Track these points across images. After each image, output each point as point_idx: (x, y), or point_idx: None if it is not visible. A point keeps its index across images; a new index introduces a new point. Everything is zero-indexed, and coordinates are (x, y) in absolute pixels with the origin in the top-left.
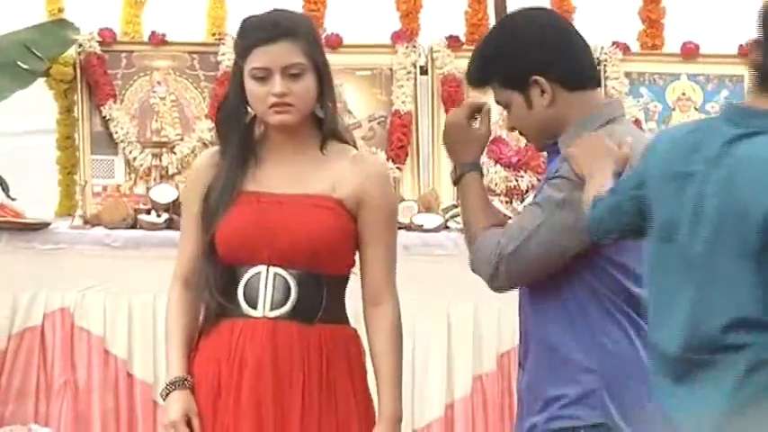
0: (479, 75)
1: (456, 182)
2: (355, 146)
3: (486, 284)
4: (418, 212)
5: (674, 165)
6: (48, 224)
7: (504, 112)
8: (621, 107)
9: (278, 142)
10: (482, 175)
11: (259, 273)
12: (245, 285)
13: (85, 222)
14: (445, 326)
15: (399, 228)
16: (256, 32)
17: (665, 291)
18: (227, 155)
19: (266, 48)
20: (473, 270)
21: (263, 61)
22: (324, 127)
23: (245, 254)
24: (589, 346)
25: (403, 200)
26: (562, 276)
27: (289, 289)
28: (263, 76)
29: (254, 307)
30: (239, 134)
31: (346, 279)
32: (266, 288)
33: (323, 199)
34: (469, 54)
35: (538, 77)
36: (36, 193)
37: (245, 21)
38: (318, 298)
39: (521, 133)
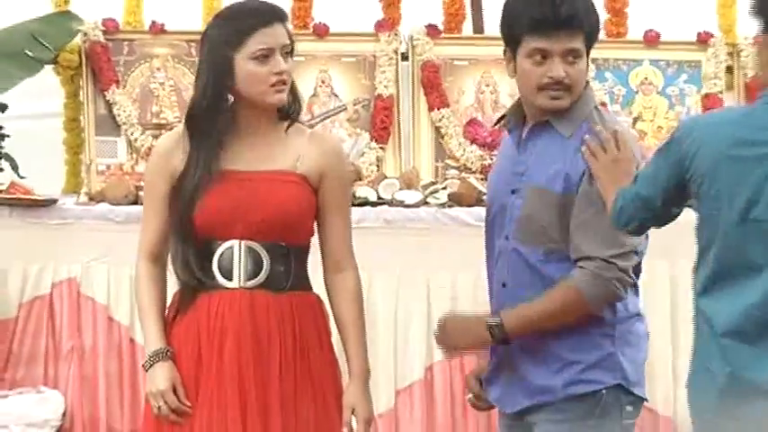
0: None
1: (503, 340)
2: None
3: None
4: (399, 189)
5: (741, 148)
6: (55, 201)
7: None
8: None
9: (246, 124)
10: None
11: (232, 247)
12: (220, 259)
13: (90, 199)
14: (425, 293)
15: (382, 203)
16: (255, 17)
17: (741, 265)
18: (205, 139)
19: (267, 30)
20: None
21: (266, 42)
22: (293, 107)
23: (220, 230)
24: (605, 311)
25: (385, 177)
26: None
27: (261, 260)
28: (266, 56)
29: (230, 279)
30: (217, 117)
31: (308, 249)
32: (240, 261)
33: (288, 174)
34: (447, 41)
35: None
36: (45, 171)
37: (230, 10)
38: (287, 267)
39: (564, 88)
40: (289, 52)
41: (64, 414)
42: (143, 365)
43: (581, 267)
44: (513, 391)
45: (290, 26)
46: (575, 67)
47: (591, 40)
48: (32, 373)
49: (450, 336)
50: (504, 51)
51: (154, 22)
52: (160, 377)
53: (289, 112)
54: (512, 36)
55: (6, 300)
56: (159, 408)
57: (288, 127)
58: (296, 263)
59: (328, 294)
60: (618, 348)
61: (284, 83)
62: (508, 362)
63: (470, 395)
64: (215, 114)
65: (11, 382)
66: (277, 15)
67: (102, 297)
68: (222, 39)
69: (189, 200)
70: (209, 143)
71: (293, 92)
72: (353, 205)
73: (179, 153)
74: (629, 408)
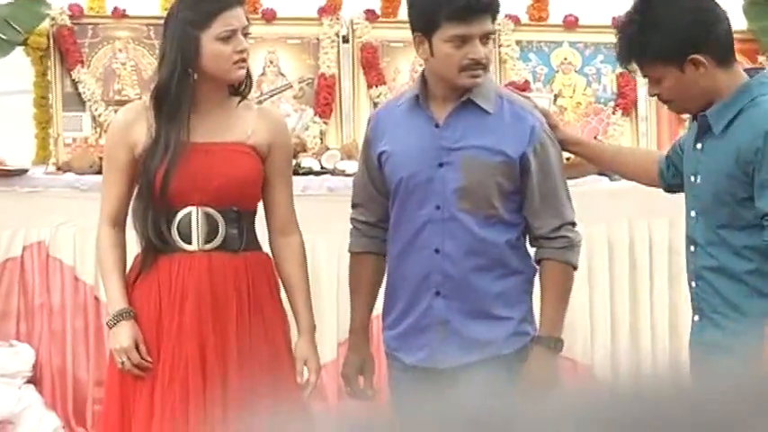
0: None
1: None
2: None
3: None
4: (341, 159)
5: None
6: (26, 170)
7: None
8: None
9: (203, 98)
10: None
11: (190, 212)
12: (179, 224)
13: (58, 169)
14: None
15: (325, 173)
16: (219, 1)
17: None
18: (173, 113)
19: (231, 12)
20: None
21: (232, 24)
22: (244, 84)
23: (179, 197)
24: (527, 268)
25: (328, 149)
26: None
27: (217, 225)
28: (230, 36)
29: (189, 242)
30: (184, 94)
31: (256, 212)
32: (198, 225)
33: (240, 145)
34: (384, 25)
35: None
36: (16, 144)
37: None
38: (240, 230)
39: (483, 68)
40: (247, 33)
41: (34, 366)
42: (107, 323)
43: (558, 240)
44: (450, 349)
45: (245, 9)
46: (488, 47)
47: (494, 20)
48: (5, 328)
49: (549, 386)
50: (415, 36)
51: (116, 8)
52: (123, 335)
53: (239, 89)
54: (428, 23)
55: None
56: (123, 363)
57: (239, 102)
58: (247, 226)
59: (275, 257)
60: (531, 300)
61: (245, 60)
62: (441, 325)
63: (349, 389)
64: (182, 90)
65: None
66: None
67: (69, 259)
68: (188, 20)
69: (156, 170)
70: (177, 117)
71: (246, 70)
72: (299, 174)
73: (141, 126)
74: None
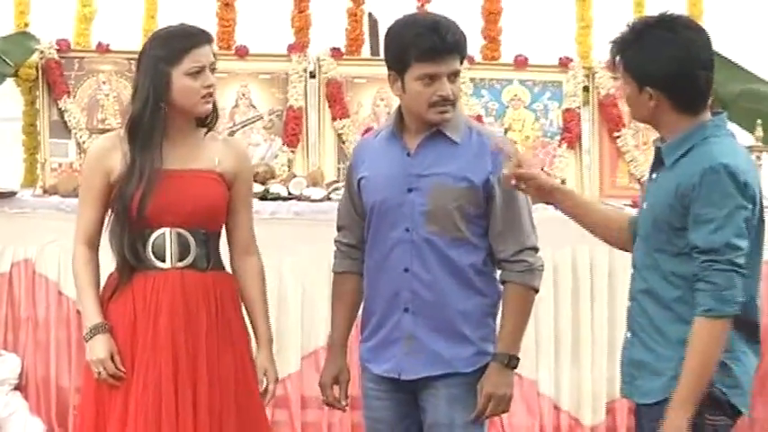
0: None
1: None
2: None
3: None
4: (307, 186)
5: None
6: (15, 193)
7: None
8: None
9: (173, 128)
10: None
11: (164, 233)
12: (153, 244)
13: (45, 192)
14: (327, 274)
15: (292, 198)
16: (188, 39)
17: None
18: (147, 143)
19: (199, 50)
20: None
21: (201, 61)
22: (210, 117)
23: (154, 219)
24: (492, 293)
25: (295, 176)
26: None
27: (189, 245)
28: (198, 72)
29: (163, 260)
30: (156, 125)
31: (220, 235)
32: (171, 245)
33: (209, 173)
34: (348, 62)
35: None
36: (6, 168)
37: (165, 32)
38: (208, 250)
39: (451, 104)
40: (214, 68)
41: (20, 374)
42: (84, 337)
43: (517, 264)
44: (414, 362)
45: (215, 47)
46: (456, 85)
47: (462, 61)
48: None
49: (503, 402)
50: (390, 74)
51: (100, 43)
52: (99, 347)
53: (206, 121)
54: (400, 62)
55: None
56: (99, 373)
57: (206, 133)
58: (213, 246)
59: (237, 275)
60: (495, 323)
61: (211, 95)
62: (408, 339)
63: (324, 397)
64: (155, 121)
65: None
66: (206, 38)
67: (54, 275)
68: (160, 56)
69: (133, 195)
70: (150, 146)
71: (213, 104)
72: (268, 200)
73: (116, 155)
74: None
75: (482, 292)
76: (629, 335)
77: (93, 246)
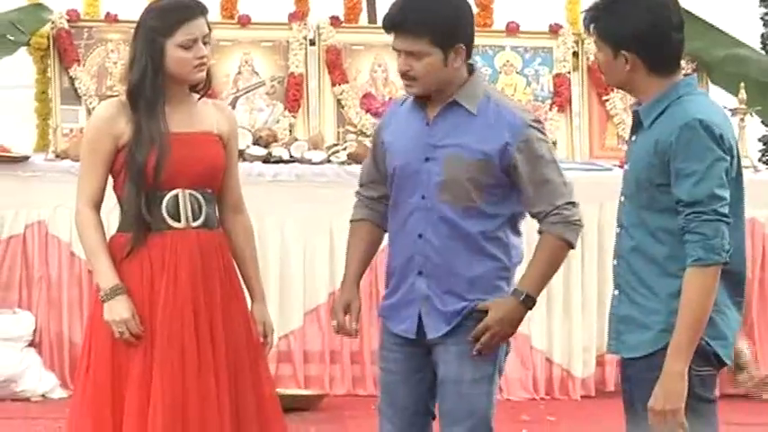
0: None
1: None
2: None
3: None
4: (308, 149)
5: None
6: (28, 157)
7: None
8: None
9: (171, 94)
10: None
11: (177, 194)
12: (167, 205)
13: (56, 156)
14: (328, 234)
15: (294, 161)
16: (181, 12)
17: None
18: (148, 108)
19: (192, 22)
20: None
21: (191, 33)
22: (205, 83)
23: (168, 181)
24: (503, 258)
25: (296, 140)
26: None
27: (201, 204)
28: (190, 45)
29: (178, 221)
30: (157, 92)
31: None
32: (186, 206)
33: (211, 135)
34: (347, 30)
35: None
36: (19, 133)
37: (154, 7)
38: (214, 210)
39: (411, 79)
40: (207, 42)
41: (34, 331)
42: (101, 298)
43: (553, 216)
44: (429, 322)
45: (208, 18)
46: (420, 62)
47: (442, 40)
48: (9, 297)
49: (503, 332)
50: None
51: (108, 13)
52: (121, 308)
53: (197, 87)
54: None
55: None
56: (122, 333)
57: (199, 98)
58: (216, 206)
59: (228, 232)
60: (510, 286)
61: (204, 64)
62: (420, 300)
63: (335, 323)
64: (155, 89)
65: None
66: (199, 10)
67: (66, 236)
68: (155, 28)
69: (145, 161)
70: (155, 112)
71: (207, 71)
72: (270, 162)
73: (122, 120)
74: None
75: (494, 257)
76: (616, 292)
77: (98, 208)
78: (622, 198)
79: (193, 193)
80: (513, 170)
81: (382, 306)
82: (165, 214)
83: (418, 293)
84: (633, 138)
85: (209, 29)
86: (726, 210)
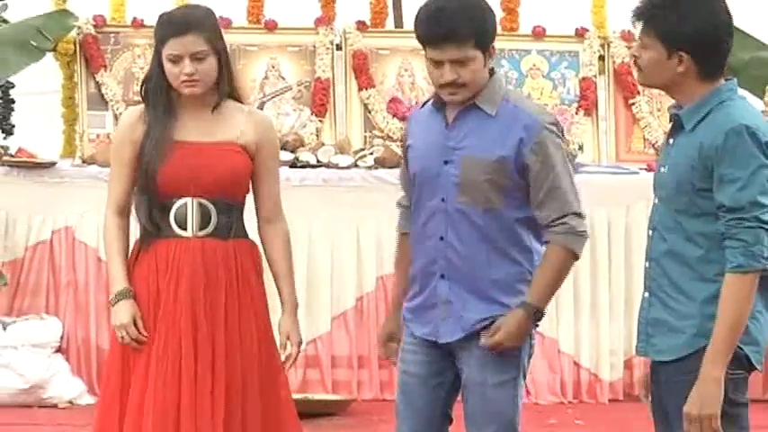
0: None
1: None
2: (244, 104)
3: None
4: (335, 154)
5: None
6: (54, 163)
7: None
8: None
9: (191, 104)
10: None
11: (185, 203)
12: (176, 213)
13: (83, 162)
14: (355, 238)
15: (321, 166)
16: (170, 27)
17: None
18: (157, 114)
19: (178, 39)
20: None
21: (176, 49)
22: (219, 93)
23: (176, 189)
24: (525, 263)
25: (323, 144)
26: None
27: (210, 214)
28: (176, 60)
29: (185, 229)
30: (163, 99)
31: (244, 204)
32: (193, 215)
33: (231, 144)
34: (373, 34)
35: None
36: (46, 139)
37: (161, 16)
38: (230, 219)
39: (457, 87)
40: (201, 57)
41: (62, 336)
42: (109, 302)
43: (559, 227)
44: (450, 326)
45: (213, 29)
46: (467, 68)
47: (482, 42)
48: (36, 303)
49: (513, 345)
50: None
51: (135, 18)
52: (123, 313)
53: (224, 95)
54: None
55: (15, 244)
56: (122, 337)
57: (214, 108)
58: (236, 216)
59: (262, 242)
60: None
61: (192, 81)
62: (445, 304)
63: (381, 352)
64: (159, 96)
65: (18, 310)
66: (189, 27)
67: (93, 241)
68: (156, 39)
69: (149, 165)
70: (160, 119)
71: (230, 80)
72: (298, 167)
73: (140, 125)
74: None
75: (516, 261)
76: (646, 294)
77: (124, 213)
78: (656, 201)
79: (203, 202)
80: (526, 171)
81: (406, 308)
82: (172, 222)
83: (440, 297)
84: (671, 140)
85: (210, 44)
86: (767, 217)
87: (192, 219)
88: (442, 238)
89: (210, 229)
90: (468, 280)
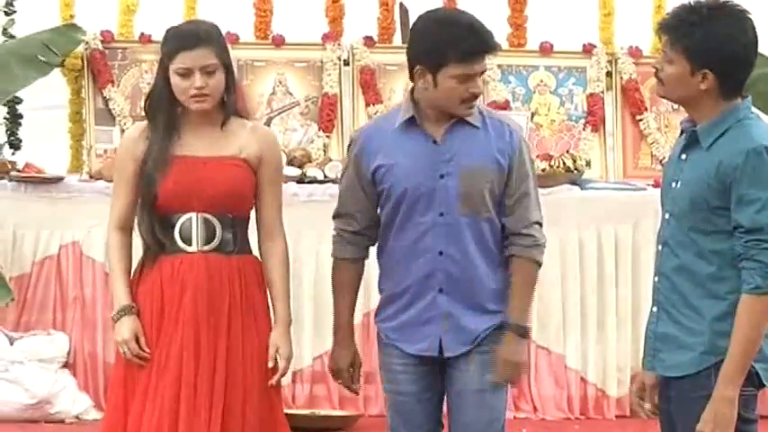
0: None
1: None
2: (249, 119)
3: None
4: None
5: None
6: (62, 178)
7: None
8: None
9: (196, 119)
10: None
11: (190, 218)
12: (180, 228)
13: (90, 177)
14: None
15: (328, 181)
16: (179, 41)
17: None
18: (159, 129)
19: (188, 53)
20: None
21: (186, 63)
22: (225, 109)
23: (180, 204)
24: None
25: (330, 160)
26: None
27: (214, 229)
28: (186, 74)
29: (189, 244)
30: (166, 114)
31: (248, 219)
32: (198, 230)
33: (234, 159)
34: (381, 50)
35: None
36: (53, 154)
37: (168, 31)
38: (234, 235)
39: (477, 99)
40: (212, 71)
41: (69, 352)
42: (112, 318)
43: (526, 239)
44: (453, 339)
45: (221, 44)
46: (483, 79)
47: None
48: (43, 318)
49: (518, 370)
50: (417, 69)
51: (142, 34)
52: (125, 329)
53: (227, 111)
54: (436, 59)
55: (22, 259)
56: (125, 353)
57: (222, 123)
58: (240, 231)
59: (262, 257)
60: None
61: (202, 95)
62: (445, 318)
63: (340, 381)
64: (163, 111)
65: (25, 325)
66: (199, 40)
67: (100, 256)
68: (163, 53)
69: (150, 180)
70: (163, 134)
71: (238, 95)
72: (305, 183)
73: (142, 141)
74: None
75: (505, 266)
76: (654, 309)
77: (127, 230)
78: (667, 216)
79: (208, 217)
80: (508, 178)
81: (387, 327)
82: (177, 238)
83: (440, 311)
84: (684, 156)
85: (221, 58)
86: None
87: (197, 233)
88: (441, 253)
89: (215, 243)
90: (468, 292)
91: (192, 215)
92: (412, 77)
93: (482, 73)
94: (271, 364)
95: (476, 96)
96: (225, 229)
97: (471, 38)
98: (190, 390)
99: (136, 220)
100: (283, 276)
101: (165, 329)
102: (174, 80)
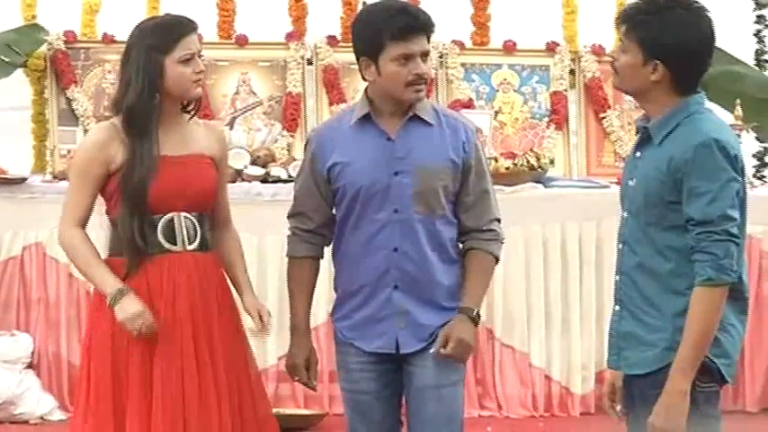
0: None
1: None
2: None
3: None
4: None
5: None
6: (25, 179)
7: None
8: None
9: (166, 116)
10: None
11: (173, 218)
12: (163, 228)
13: (54, 177)
14: (327, 254)
15: (291, 180)
16: (178, 28)
17: None
18: (145, 132)
19: (189, 38)
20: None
21: (190, 48)
22: (196, 103)
23: (166, 205)
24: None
25: (294, 159)
26: None
27: (196, 227)
28: (189, 59)
29: (174, 244)
30: (155, 114)
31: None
32: (183, 229)
33: (205, 157)
34: (344, 49)
35: None
36: (16, 155)
37: (153, 23)
38: (206, 232)
39: (425, 82)
40: (201, 56)
41: (33, 352)
42: (108, 304)
43: (487, 233)
44: (409, 335)
45: (215, 37)
46: (427, 64)
47: (429, 41)
48: (7, 319)
49: (468, 351)
50: (361, 61)
51: (105, 34)
52: (132, 304)
53: (187, 107)
54: (374, 45)
55: None
56: (139, 328)
57: (190, 118)
58: (208, 227)
59: (219, 245)
60: None
61: (201, 80)
62: (401, 315)
63: (297, 378)
64: (150, 110)
65: None
66: (194, 26)
67: (64, 257)
68: (153, 46)
69: (142, 185)
70: (148, 135)
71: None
72: (269, 182)
73: (116, 144)
74: None
75: (459, 263)
76: (617, 307)
77: (84, 228)
78: (625, 214)
79: (188, 216)
80: (465, 176)
81: (344, 326)
82: (161, 238)
83: (395, 308)
84: (638, 153)
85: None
86: (736, 230)
87: (183, 232)
88: (395, 249)
89: (198, 242)
90: (423, 288)
91: (174, 215)
92: (362, 74)
93: (424, 54)
94: (259, 326)
95: (421, 77)
96: (202, 226)
97: (403, 16)
98: (194, 387)
99: (119, 224)
100: (243, 255)
101: (161, 332)
102: (177, 70)
